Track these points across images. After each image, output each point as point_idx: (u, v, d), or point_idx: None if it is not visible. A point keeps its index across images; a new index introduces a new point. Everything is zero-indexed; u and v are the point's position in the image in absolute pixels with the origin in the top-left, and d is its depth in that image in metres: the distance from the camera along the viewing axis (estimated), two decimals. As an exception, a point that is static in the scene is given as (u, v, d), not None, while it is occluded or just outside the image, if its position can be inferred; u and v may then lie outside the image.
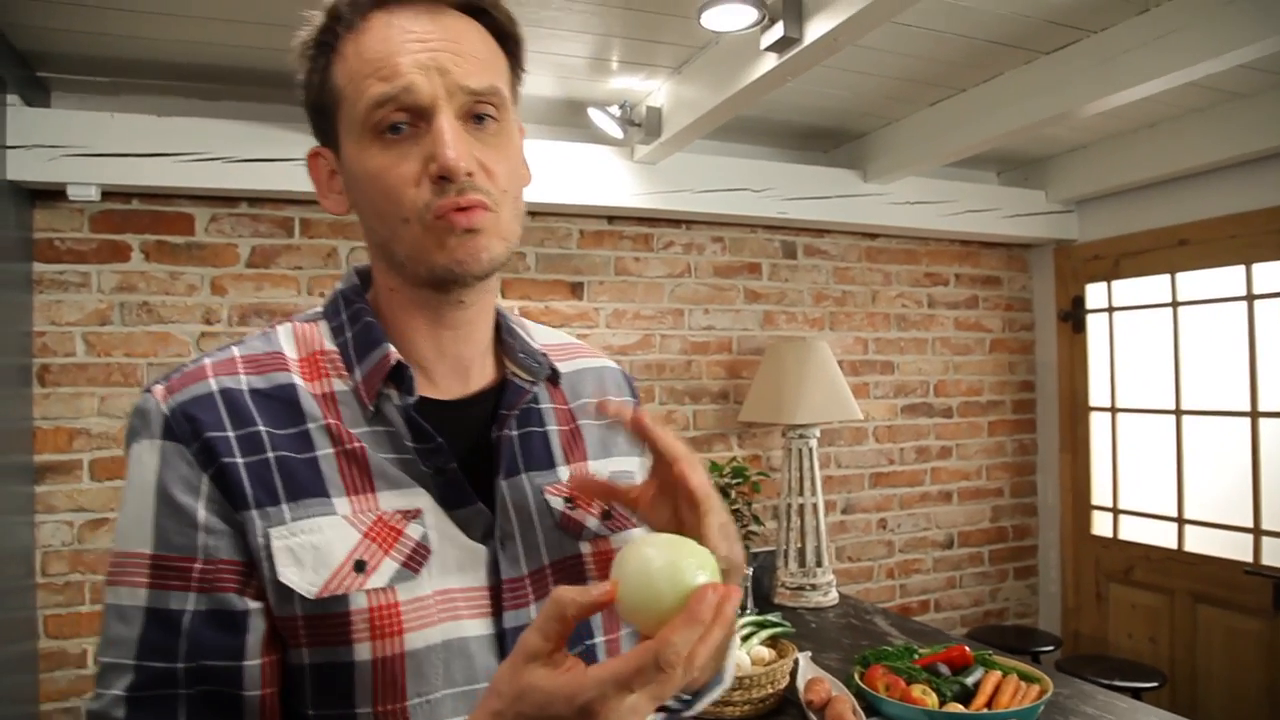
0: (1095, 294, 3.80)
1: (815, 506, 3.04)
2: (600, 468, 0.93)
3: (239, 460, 0.74)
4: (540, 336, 0.97)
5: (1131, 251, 3.60)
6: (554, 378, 0.92)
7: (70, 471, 2.59)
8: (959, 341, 3.85)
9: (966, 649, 2.19)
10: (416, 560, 0.76)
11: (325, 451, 0.77)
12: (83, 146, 2.46)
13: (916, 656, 2.19)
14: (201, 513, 0.73)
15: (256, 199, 2.77)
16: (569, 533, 0.85)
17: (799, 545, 3.03)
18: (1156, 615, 3.48)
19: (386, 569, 0.75)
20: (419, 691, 0.75)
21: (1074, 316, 3.85)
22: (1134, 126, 3.28)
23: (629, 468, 0.96)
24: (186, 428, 0.74)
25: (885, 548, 3.70)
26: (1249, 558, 3.16)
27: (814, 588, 2.97)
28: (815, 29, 2.03)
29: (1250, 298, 3.17)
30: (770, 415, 3.08)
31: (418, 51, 0.75)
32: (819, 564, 3.01)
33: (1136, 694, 2.83)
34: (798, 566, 3.01)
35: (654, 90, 2.82)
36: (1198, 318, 3.39)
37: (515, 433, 0.86)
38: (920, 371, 3.77)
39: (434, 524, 0.78)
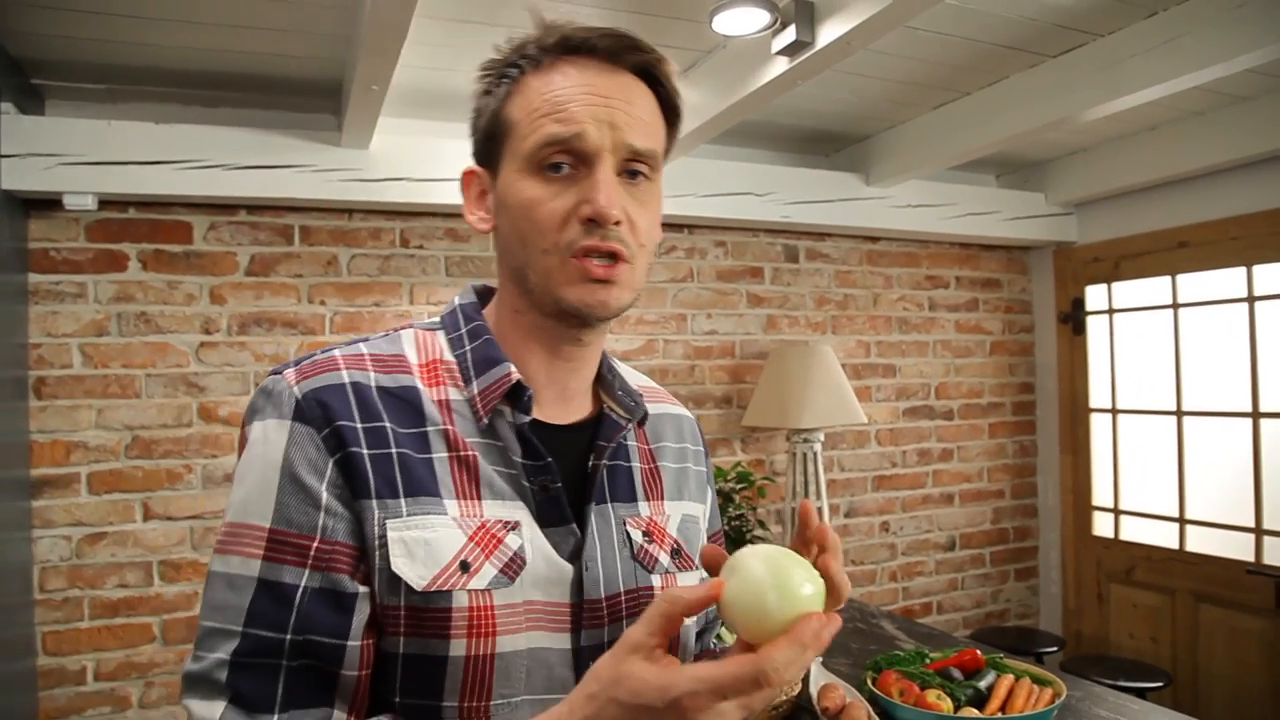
0: (1095, 296, 3.80)
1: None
2: (674, 509, 0.97)
3: (364, 451, 0.78)
4: (631, 379, 1.02)
5: (1131, 254, 3.60)
6: (643, 419, 0.96)
7: (68, 485, 2.54)
8: (960, 344, 3.85)
9: (978, 652, 2.17)
10: (513, 569, 0.80)
11: (440, 455, 0.81)
12: (79, 155, 2.42)
13: (928, 661, 2.18)
14: (324, 494, 0.76)
15: (255, 206, 2.73)
16: (643, 565, 0.89)
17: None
18: (1158, 615, 3.49)
19: (487, 573, 0.78)
20: (503, 693, 0.78)
21: (1074, 318, 3.85)
22: (1134, 129, 3.28)
23: (695, 512, 1.01)
24: (318, 412, 0.78)
25: (888, 550, 3.69)
26: (1250, 557, 3.17)
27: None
28: (828, 33, 2.02)
29: (1251, 299, 3.17)
30: (774, 420, 3.06)
31: (595, 104, 0.81)
32: (825, 569, 2.99)
33: (1141, 694, 2.83)
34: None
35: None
36: (1198, 319, 3.39)
37: (606, 464, 0.90)
38: (922, 374, 3.76)
39: (530, 537, 0.82)
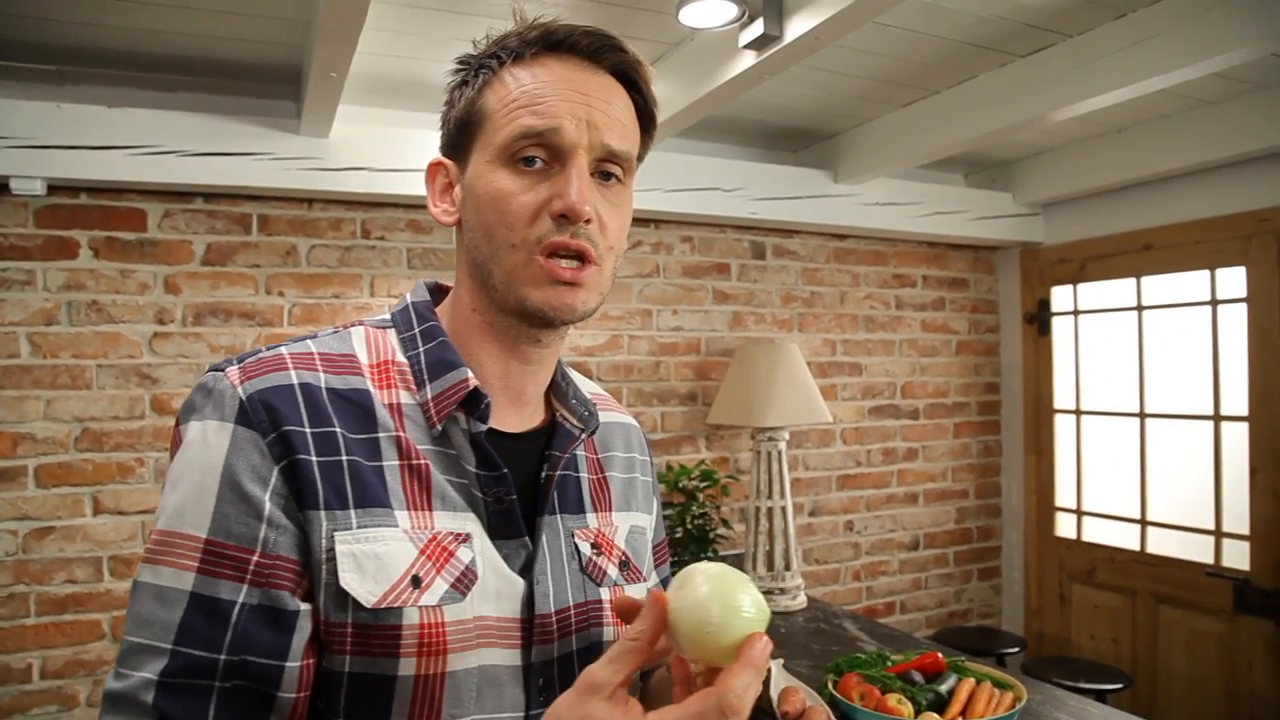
0: (1061, 297, 3.82)
1: (784, 510, 3.01)
2: (621, 520, 0.96)
3: (313, 458, 0.74)
4: (585, 387, 1.00)
5: (1097, 255, 3.62)
6: (594, 429, 0.94)
7: (14, 478, 2.47)
8: (926, 343, 3.85)
9: (940, 655, 2.17)
10: (465, 583, 0.77)
11: (392, 463, 0.78)
12: (27, 138, 2.34)
13: (890, 664, 2.17)
14: (267, 505, 0.72)
15: (212, 194, 2.67)
16: (591, 578, 0.87)
17: (767, 548, 3.00)
18: (1118, 616, 3.51)
19: (438, 588, 0.75)
20: (452, 713, 0.75)
21: (1039, 319, 3.86)
22: (1102, 131, 3.29)
23: (643, 523, 1.00)
24: (264, 416, 0.73)
25: (852, 550, 3.69)
26: (1210, 559, 3.20)
27: (783, 591, 2.94)
28: (796, 27, 2.00)
29: (1214, 302, 3.20)
30: (739, 418, 3.04)
31: (574, 100, 0.80)
32: (788, 567, 2.98)
33: (1101, 695, 2.85)
34: (766, 570, 2.97)
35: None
36: (1162, 322, 3.42)
37: (557, 474, 0.88)
38: (888, 373, 3.76)
39: (481, 550, 0.79)
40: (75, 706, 2.51)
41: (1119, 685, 2.98)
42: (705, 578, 0.66)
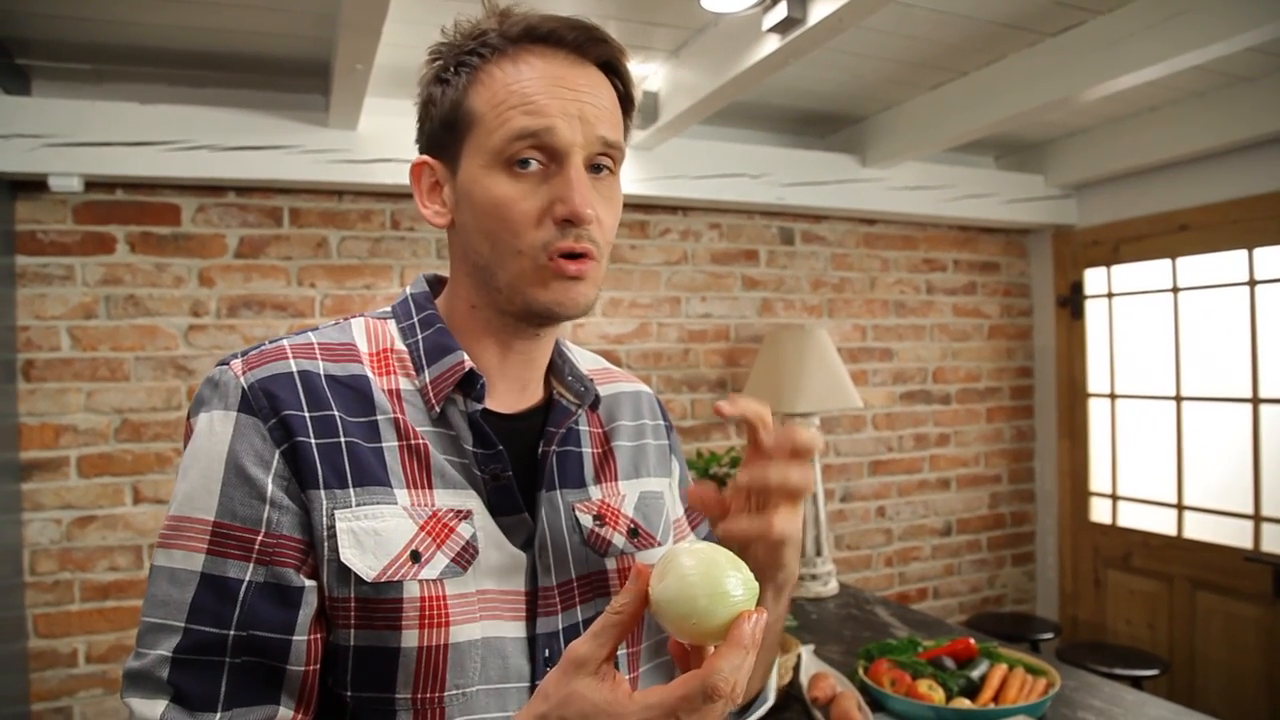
0: (1094, 279, 3.77)
1: (815, 496, 3.01)
2: (630, 488, 0.97)
3: (312, 440, 0.77)
4: (583, 362, 1.01)
5: (1131, 237, 3.57)
6: (595, 403, 0.96)
7: (58, 468, 2.53)
8: (957, 328, 3.82)
9: (971, 641, 2.16)
10: (465, 558, 0.79)
11: (391, 444, 0.80)
12: (64, 136, 2.39)
13: (921, 649, 2.16)
14: (270, 486, 0.75)
15: (244, 188, 2.71)
16: (595, 549, 0.89)
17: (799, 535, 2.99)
18: (1155, 602, 3.47)
19: (438, 562, 0.78)
20: (457, 683, 0.77)
21: (1072, 302, 3.82)
22: (1134, 110, 3.24)
23: (658, 487, 1.00)
24: (264, 403, 0.77)
25: (884, 535, 3.67)
26: (1249, 544, 3.15)
27: (814, 578, 2.94)
28: (819, 10, 1.98)
29: (1252, 283, 3.14)
30: (769, 404, 3.02)
31: (565, 98, 0.80)
32: (819, 553, 2.98)
33: (1137, 682, 2.82)
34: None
35: (650, 74, 2.77)
36: (1198, 303, 3.36)
37: (556, 450, 0.90)
38: (919, 358, 3.74)
39: (481, 526, 0.82)
40: (119, 690, 2.56)
41: (1155, 671, 2.95)
42: (693, 560, 0.66)
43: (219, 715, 0.71)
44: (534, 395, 0.93)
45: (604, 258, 0.84)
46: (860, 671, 2.06)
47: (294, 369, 0.80)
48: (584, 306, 0.83)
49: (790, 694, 2.08)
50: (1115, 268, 3.67)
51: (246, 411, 0.77)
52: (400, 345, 0.87)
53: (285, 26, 2.27)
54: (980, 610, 3.85)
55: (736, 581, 0.65)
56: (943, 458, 3.78)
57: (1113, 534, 3.67)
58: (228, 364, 0.80)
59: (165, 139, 2.48)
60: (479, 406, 0.83)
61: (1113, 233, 3.63)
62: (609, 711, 0.63)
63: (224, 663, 0.72)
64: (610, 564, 0.90)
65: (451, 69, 0.83)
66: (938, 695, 1.93)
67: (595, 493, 0.93)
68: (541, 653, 0.83)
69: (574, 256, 0.80)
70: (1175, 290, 3.42)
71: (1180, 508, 3.40)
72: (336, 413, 0.79)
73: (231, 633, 0.72)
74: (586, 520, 0.90)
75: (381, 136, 2.69)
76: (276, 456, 0.76)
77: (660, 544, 0.96)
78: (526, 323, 0.85)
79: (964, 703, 1.92)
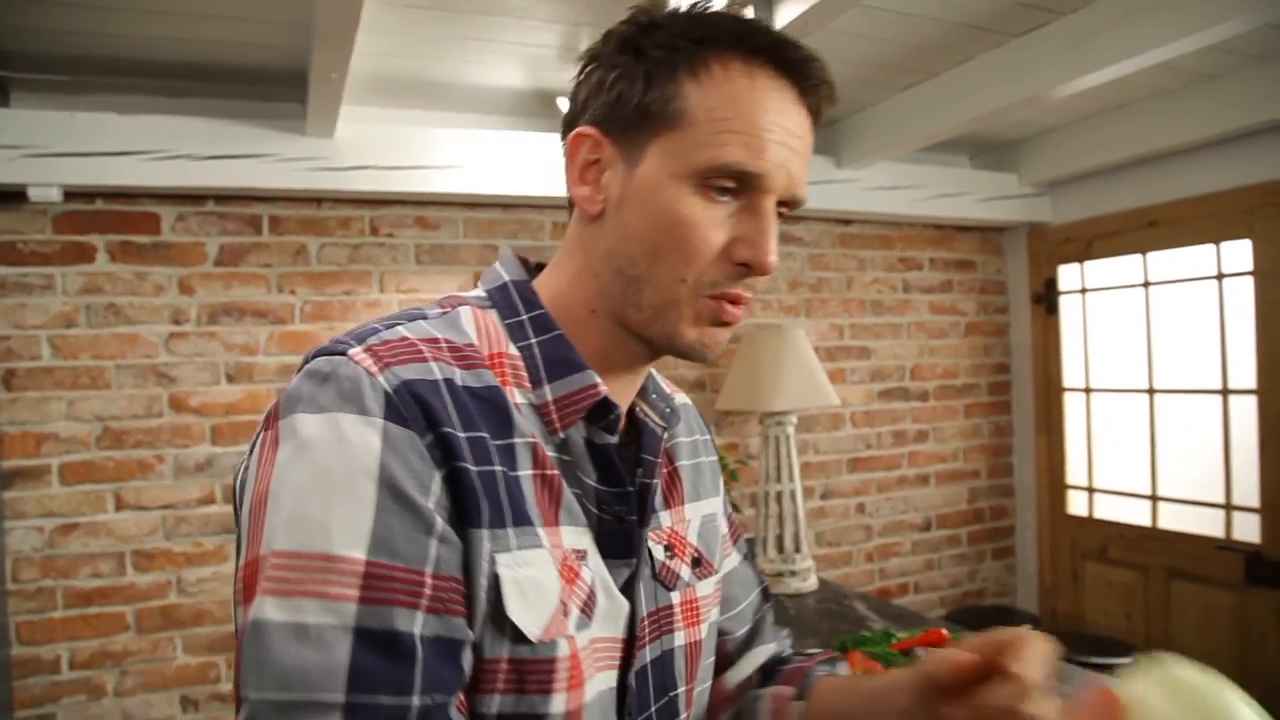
0: (1068, 276, 3.82)
1: (793, 493, 3.05)
2: (694, 512, 0.89)
3: (471, 466, 0.63)
4: (658, 375, 0.92)
5: (1103, 233, 3.62)
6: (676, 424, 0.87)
7: (39, 477, 2.55)
8: (934, 325, 3.86)
9: (944, 631, 2.20)
10: (590, 607, 0.70)
11: (527, 472, 0.69)
12: (43, 146, 2.41)
13: (894, 640, 2.20)
14: (438, 520, 0.61)
15: (223, 197, 2.73)
16: (664, 584, 0.81)
17: (778, 532, 3.04)
18: (1131, 592, 3.52)
19: (574, 614, 0.69)
20: None
21: (1047, 298, 3.87)
22: (1105, 108, 3.29)
23: (714, 509, 0.94)
24: (418, 412, 0.62)
25: (864, 532, 3.71)
26: (1221, 533, 3.20)
27: (793, 574, 2.98)
28: (786, 13, 2.02)
29: (1220, 276, 3.19)
30: (747, 403, 3.08)
31: (786, 143, 0.72)
32: (797, 550, 3.01)
33: (1111, 669, 2.86)
34: (776, 553, 3.01)
35: (624, 79, 2.79)
36: (1169, 297, 3.42)
37: (654, 484, 0.80)
38: (896, 356, 3.78)
39: (594, 568, 0.72)
40: (103, 696, 2.58)
41: (1130, 659, 3.00)
42: (1177, 702, 0.54)
43: None
44: (626, 420, 0.82)
45: None
46: (835, 663, 2.09)
47: (439, 375, 0.65)
48: (718, 354, 0.75)
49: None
50: (1088, 264, 3.72)
51: (397, 420, 0.61)
52: (513, 349, 0.73)
53: (261, 37, 2.29)
54: (961, 604, 3.89)
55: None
56: (921, 454, 3.83)
57: (1090, 526, 3.73)
58: (345, 354, 0.63)
59: (144, 149, 2.50)
60: (612, 440, 0.73)
61: (1085, 229, 3.69)
62: None
63: None
64: (675, 598, 0.82)
65: (661, 47, 0.71)
66: (911, 685, 1.97)
67: (665, 519, 0.84)
68: (626, 703, 0.75)
69: (735, 302, 0.72)
70: (1146, 285, 3.47)
71: (1155, 499, 3.45)
72: (486, 434, 0.66)
73: (415, 701, 0.57)
74: (659, 552, 0.81)
75: (359, 144, 2.71)
76: (437, 481, 0.62)
77: (716, 571, 0.89)
78: (649, 350, 0.75)
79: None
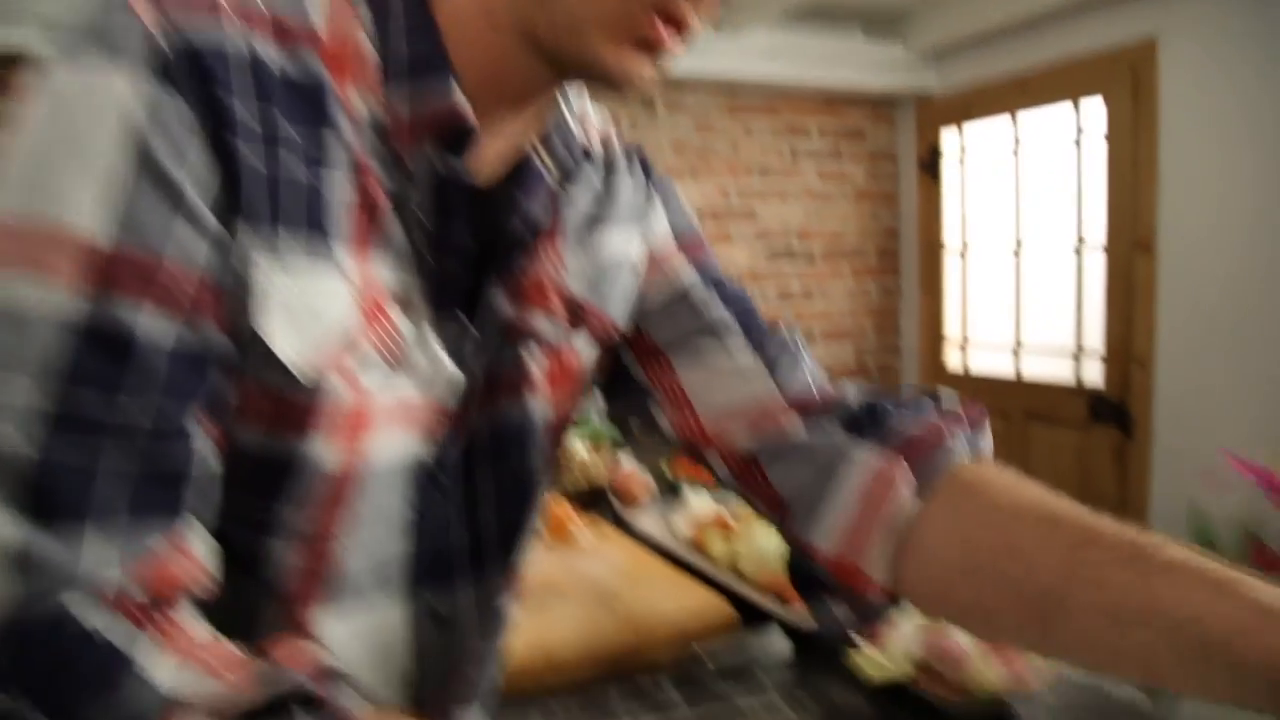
0: (950, 141, 3.97)
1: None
2: (579, 252, 0.70)
3: (250, 143, 0.49)
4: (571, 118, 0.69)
5: (980, 101, 3.76)
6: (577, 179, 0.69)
7: None
8: (822, 191, 4.01)
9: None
10: (396, 356, 0.57)
11: (339, 173, 0.53)
12: None
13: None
14: (198, 202, 0.48)
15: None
16: (507, 339, 0.65)
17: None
18: (999, 439, 3.72)
19: (368, 355, 0.55)
20: (354, 514, 0.59)
21: (931, 165, 4.02)
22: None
23: (626, 249, 0.73)
24: (188, 70, 0.47)
25: (753, 388, 3.92)
26: (1071, 379, 3.45)
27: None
28: None
29: (1079, 142, 3.36)
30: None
31: None
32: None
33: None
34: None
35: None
36: (1036, 161, 3.59)
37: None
38: (783, 220, 3.94)
39: (414, 319, 0.59)
40: None
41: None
42: None
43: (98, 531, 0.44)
44: (509, 161, 0.62)
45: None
46: (663, 463, 2.30)
47: (241, 44, 0.50)
48: (644, 90, 0.56)
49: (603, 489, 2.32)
50: (967, 127, 3.86)
51: (166, 80, 0.47)
52: (363, 39, 0.54)
53: None
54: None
55: None
56: (808, 313, 4.02)
57: (964, 382, 3.96)
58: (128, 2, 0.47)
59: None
60: (462, 169, 0.57)
61: (966, 99, 3.82)
62: None
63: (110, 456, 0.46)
64: (531, 360, 0.68)
65: None
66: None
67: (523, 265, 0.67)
68: (449, 477, 0.64)
69: (676, 26, 0.53)
70: (1017, 148, 3.63)
71: (1017, 350, 3.69)
72: (278, 113, 0.51)
73: (138, 405, 0.46)
74: (501, 303, 0.65)
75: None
76: (201, 156, 0.48)
77: (615, 329, 0.73)
78: (557, 74, 0.57)
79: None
